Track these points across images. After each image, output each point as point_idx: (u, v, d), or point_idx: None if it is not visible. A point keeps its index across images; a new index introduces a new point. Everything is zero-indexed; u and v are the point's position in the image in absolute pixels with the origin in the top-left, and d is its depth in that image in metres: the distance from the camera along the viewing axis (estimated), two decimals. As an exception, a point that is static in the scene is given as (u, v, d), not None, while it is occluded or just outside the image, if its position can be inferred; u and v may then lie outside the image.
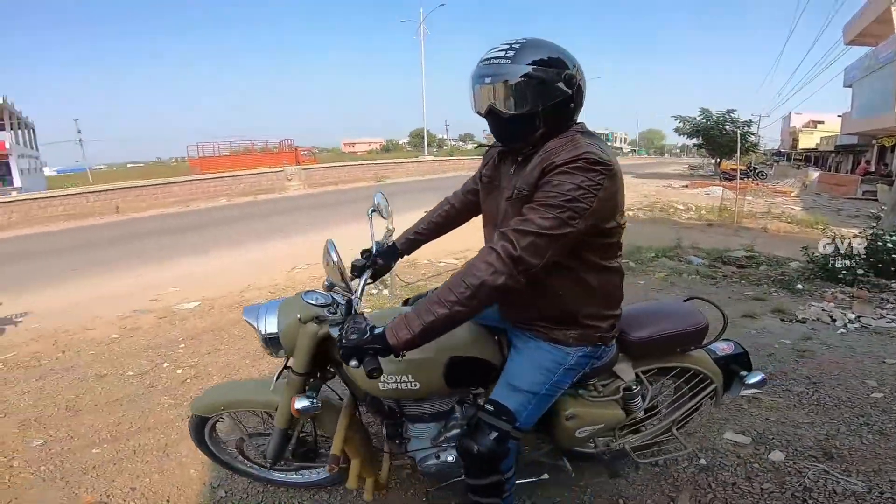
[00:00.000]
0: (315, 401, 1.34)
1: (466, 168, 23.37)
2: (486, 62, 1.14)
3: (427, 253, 6.41)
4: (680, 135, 29.64)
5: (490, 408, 1.32)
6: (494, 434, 1.29)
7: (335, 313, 1.36)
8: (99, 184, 18.26)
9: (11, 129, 28.24)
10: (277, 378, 1.24)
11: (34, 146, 33.62)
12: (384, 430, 1.56)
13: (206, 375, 3.10)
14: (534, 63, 1.10)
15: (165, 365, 3.30)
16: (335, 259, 1.31)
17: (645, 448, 1.78)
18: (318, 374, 1.47)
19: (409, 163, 24.42)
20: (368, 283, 1.59)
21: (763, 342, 3.30)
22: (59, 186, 20.51)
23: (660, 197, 15.73)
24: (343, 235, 1.68)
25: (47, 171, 39.04)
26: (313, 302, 1.38)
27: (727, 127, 25.64)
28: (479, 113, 1.19)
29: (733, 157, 23.03)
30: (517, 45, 1.12)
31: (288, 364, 1.44)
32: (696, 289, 4.78)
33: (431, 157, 28.05)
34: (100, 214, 12.98)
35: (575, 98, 1.16)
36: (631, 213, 11.97)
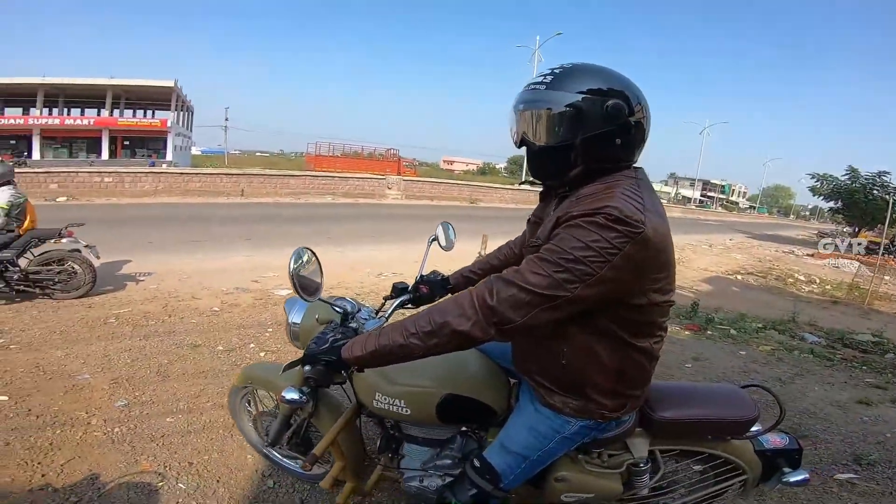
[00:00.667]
0: (303, 397, 1.30)
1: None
2: (527, 88, 1.03)
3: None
4: (815, 195, 26.53)
5: (477, 464, 1.25)
6: (474, 491, 1.23)
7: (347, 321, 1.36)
8: (232, 167, 20.74)
9: (175, 109, 33.28)
10: (286, 368, 1.25)
11: (189, 127, 39.27)
12: (379, 441, 1.56)
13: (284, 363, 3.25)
14: (573, 91, 0.96)
15: (252, 346, 3.51)
16: (291, 267, 1.26)
17: None
18: None
19: (505, 189, 24.44)
20: (407, 307, 1.58)
21: (874, 430, 3.06)
22: (200, 165, 23.60)
23: (777, 263, 14.13)
24: (429, 251, 1.68)
25: (194, 150, 45.29)
26: (336, 307, 1.40)
27: (875, 191, 22.30)
28: (515, 143, 1.07)
29: (877, 229, 19.70)
30: (559, 70, 0.99)
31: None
32: (806, 367, 4.29)
33: (527, 187, 27.77)
34: (227, 194, 14.80)
35: (622, 134, 0.97)
36: (740, 276, 10.91)
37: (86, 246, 4.55)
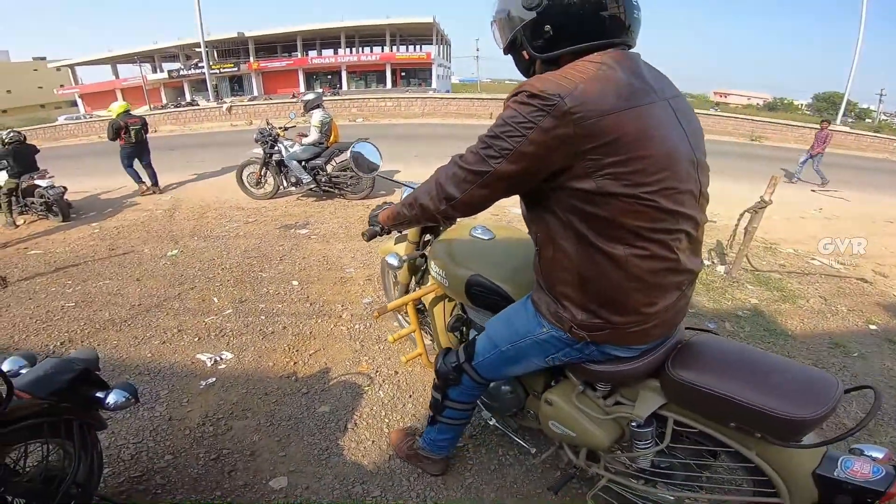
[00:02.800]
0: (399, 262, 1.70)
1: (904, 151, 15.96)
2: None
3: (800, 240, 4.93)
4: None
5: (470, 340, 1.41)
6: (455, 361, 1.38)
7: None
8: (482, 93, 21.74)
9: (436, 43, 36.69)
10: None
11: (448, 58, 42.93)
12: (451, 320, 1.72)
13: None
14: None
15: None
16: (352, 150, 1.87)
17: (621, 499, 1.41)
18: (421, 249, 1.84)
19: (807, 127, 18.26)
20: None
21: None
22: (458, 91, 25.75)
23: None
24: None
25: (453, 79, 49.85)
26: (392, 181, 2.10)
27: None
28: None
29: None
30: None
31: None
32: None
33: (845, 129, 20.07)
34: (478, 117, 15.61)
35: (548, 21, 0.94)
36: None
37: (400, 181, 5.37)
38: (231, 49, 37.89)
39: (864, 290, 3.69)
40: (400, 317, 2.44)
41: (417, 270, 1.95)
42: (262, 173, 5.54)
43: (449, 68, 44.01)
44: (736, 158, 10.45)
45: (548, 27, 0.95)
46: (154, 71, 40.68)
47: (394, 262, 1.68)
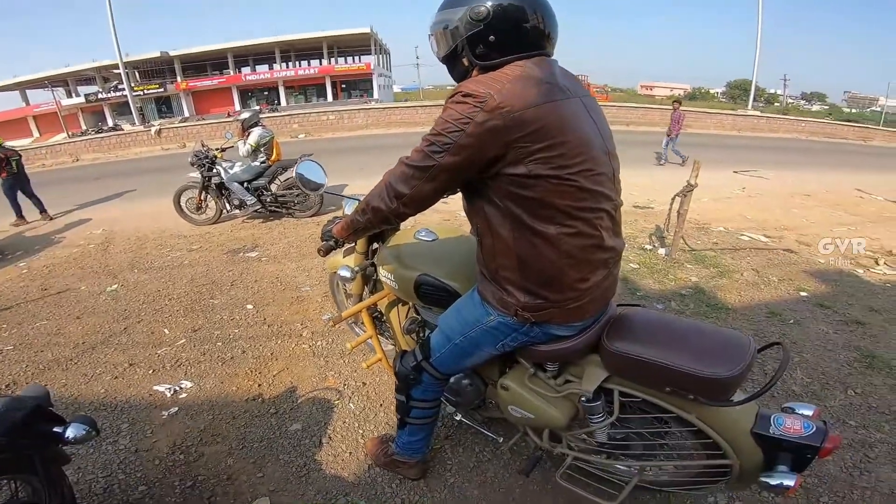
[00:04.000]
0: (352, 274, 1.71)
1: (808, 133, 17.87)
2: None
3: (729, 219, 5.35)
4: None
5: (425, 339, 1.45)
6: (413, 361, 1.43)
7: None
8: (425, 100, 21.95)
9: (375, 53, 36.65)
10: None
11: (388, 67, 42.98)
12: (407, 323, 1.74)
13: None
14: (442, 8, 1.12)
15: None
16: (295, 172, 1.86)
17: (588, 475, 1.49)
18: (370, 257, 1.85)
19: (724, 114, 19.85)
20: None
21: None
22: (400, 100, 25.78)
23: None
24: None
25: (395, 88, 49.88)
26: (339, 196, 1.99)
27: None
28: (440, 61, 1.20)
29: None
30: None
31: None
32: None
33: (756, 113, 22.02)
34: (423, 125, 15.66)
35: (492, 32, 1.05)
36: None
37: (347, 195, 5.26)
38: (155, 69, 35.85)
39: (791, 259, 4.06)
40: (356, 327, 2.46)
41: (369, 280, 1.98)
42: (203, 198, 5.29)
43: (390, 77, 44.04)
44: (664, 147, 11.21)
45: (491, 38, 1.06)
46: (69, 95, 37.83)
47: (346, 273, 1.70)
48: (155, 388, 2.33)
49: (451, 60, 1.15)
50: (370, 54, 37.11)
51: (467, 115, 0.98)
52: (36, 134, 35.68)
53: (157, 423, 2.08)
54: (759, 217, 5.52)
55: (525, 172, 1.01)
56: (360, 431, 1.97)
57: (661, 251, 4.07)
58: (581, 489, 1.47)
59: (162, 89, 35.85)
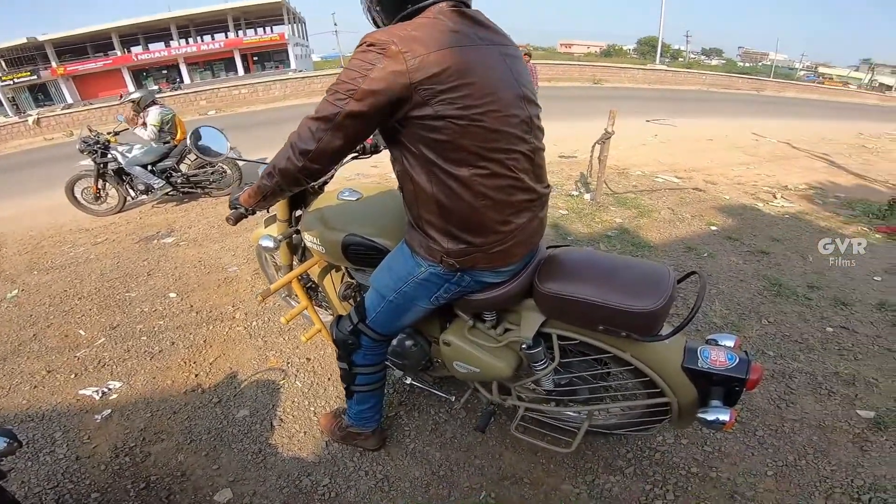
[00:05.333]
0: (275, 244, 1.62)
1: (708, 84, 19.23)
2: None
3: (645, 163, 5.70)
4: None
5: (359, 301, 1.42)
6: (349, 325, 1.40)
7: None
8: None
9: (288, 23, 34.24)
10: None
11: (305, 37, 40.38)
12: (342, 289, 1.72)
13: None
14: None
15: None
16: (188, 142, 1.68)
17: (541, 425, 1.53)
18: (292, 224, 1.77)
19: (635, 69, 20.86)
20: (353, 158, 1.69)
21: None
22: (320, 69, 24.34)
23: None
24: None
25: (314, 57, 47.06)
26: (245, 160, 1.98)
27: None
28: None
29: None
30: None
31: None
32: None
33: (664, 67, 23.43)
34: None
35: None
36: None
37: (230, 148, 4.83)
38: (23, 56, 31.19)
39: (700, 197, 4.43)
40: (290, 299, 2.35)
41: (297, 248, 1.89)
42: (100, 186, 4.72)
43: (307, 47, 41.39)
44: (584, 101, 11.62)
45: None
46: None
47: (269, 244, 1.61)
48: (81, 392, 2.12)
49: (369, 17, 1.17)
50: (283, 24, 34.59)
51: (370, 61, 0.98)
52: None
53: (92, 428, 1.91)
54: (671, 161, 5.93)
55: (432, 114, 1.00)
56: (312, 409, 1.92)
57: (587, 196, 4.27)
58: (537, 439, 1.51)
59: (35, 76, 31.34)
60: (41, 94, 32.82)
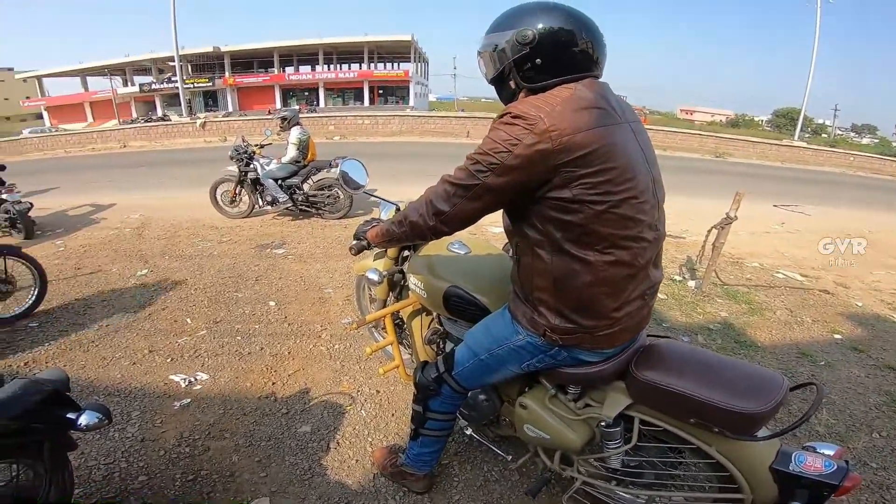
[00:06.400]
0: (380, 278, 1.75)
1: (855, 167, 17.04)
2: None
3: (765, 255, 5.15)
4: None
5: (448, 352, 1.49)
6: (435, 372, 1.45)
7: None
8: (460, 111, 22.10)
9: (414, 61, 37.24)
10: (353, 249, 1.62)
11: (426, 76, 43.59)
12: (429, 333, 1.78)
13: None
14: (490, 31, 1.12)
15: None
16: (339, 170, 1.91)
17: (594, 500, 1.46)
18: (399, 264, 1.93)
19: (768, 143, 19.15)
20: None
21: None
22: (434, 109, 26.12)
23: None
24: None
25: (431, 97, 50.53)
26: (382, 200, 1.99)
27: None
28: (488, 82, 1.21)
29: None
30: (498, 17, 1.13)
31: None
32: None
33: (803, 144, 21.17)
34: (455, 135, 15.84)
35: (538, 55, 1.05)
36: None
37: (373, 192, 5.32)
38: (206, 64, 37.44)
39: (826, 301, 3.86)
40: (376, 333, 2.45)
41: (395, 286, 1.99)
42: (237, 191, 5.45)
43: (426, 86, 44.61)
44: (702, 174, 10.90)
45: (538, 60, 1.06)
46: (125, 84, 39.82)
47: (374, 277, 1.74)
48: (171, 377, 2.36)
49: (498, 82, 1.15)
50: (409, 62, 37.82)
51: (516, 136, 0.98)
52: (90, 119, 37.69)
53: (167, 413, 2.10)
54: (797, 255, 5.27)
55: (570, 197, 1.00)
56: (369, 440, 1.95)
57: (692, 283, 3.92)
58: None
59: (210, 83, 37.28)
60: (211, 99, 38.90)
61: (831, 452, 1.13)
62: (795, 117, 31.27)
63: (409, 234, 1.24)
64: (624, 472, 1.34)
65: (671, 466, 1.34)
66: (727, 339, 2.96)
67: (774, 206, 8.33)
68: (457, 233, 1.25)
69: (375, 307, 2.09)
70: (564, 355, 1.19)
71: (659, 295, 3.72)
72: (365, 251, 1.57)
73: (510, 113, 1.00)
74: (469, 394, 1.53)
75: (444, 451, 1.84)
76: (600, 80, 1.10)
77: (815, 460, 1.10)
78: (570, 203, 1.01)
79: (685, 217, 6.22)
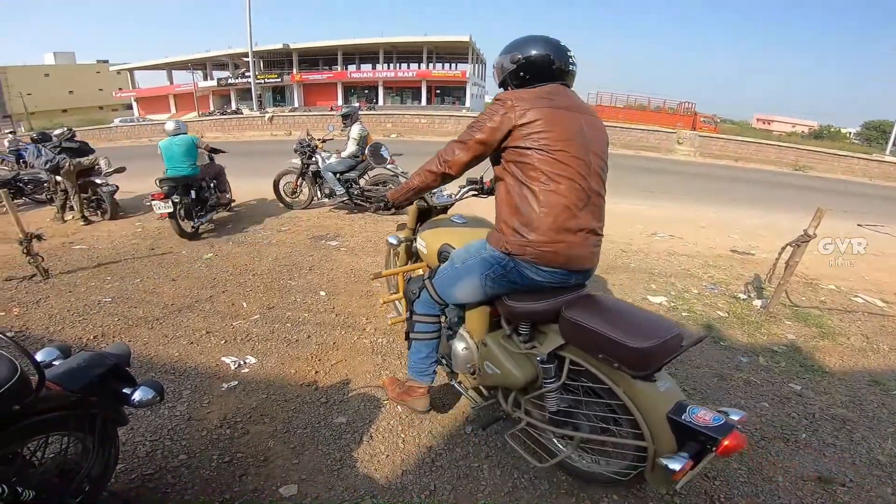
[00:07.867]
0: (398, 241, 2.36)
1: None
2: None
3: (843, 277, 4.71)
4: None
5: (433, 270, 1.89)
6: (420, 282, 1.87)
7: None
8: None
9: (471, 62, 37.16)
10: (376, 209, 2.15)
11: (483, 77, 43.36)
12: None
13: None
14: (503, 54, 1.66)
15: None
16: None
17: (534, 440, 1.74)
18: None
19: (856, 157, 17.35)
20: (473, 195, 2.20)
21: None
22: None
23: None
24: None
25: (487, 99, 50.24)
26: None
27: None
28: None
29: None
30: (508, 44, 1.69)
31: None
32: None
33: (894, 159, 19.03)
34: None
35: (524, 70, 1.60)
36: None
37: (402, 172, 5.40)
38: (276, 60, 39.41)
39: (909, 330, 3.46)
40: (400, 305, 2.61)
41: (413, 255, 2.39)
42: (298, 183, 5.70)
43: (483, 87, 44.38)
44: (776, 188, 10.09)
45: (522, 73, 1.60)
46: (205, 78, 42.67)
47: (393, 241, 2.35)
48: (223, 358, 2.48)
49: (502, 86, 1.69)
50: (467, 62, 37.81)
51: (495, 109, 1.53)
52: (173, 110, 40.87)
53: (215, 394, 2.19)
54: (879, 279, 4.75)
55: (524, 146, 1.49)
56: (402, 436, 1.97)
57: (757, 302, 3.64)
58: (521, 448, 1.68)
59: (279, 79, 39.26)
60: (279, 95, 40.99)
61: (736, 417, 1.21)
62: (888, 130, 28.19)
63: (426, 180, 1.73)
64: (558, 412, 1.56)
65: (594, 408, 1.55)
66: (792, 362, 2.73)
67: (858, 225, 7.56)
68: (457, 208, 2.09)
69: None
70: (512, 267, 1.55)
71: (718, 311, 3.56)
72: (385, 210, 2.01)
73: (496, 98, 1.56)
74: (450, 343, 1.90)
75: (476, 454, 1.88)
76: (569, 86, 1.63)
77: (707, 414, 1.21)
78: (524, 150, 1.49)
79: (755, 234, 5.80)
